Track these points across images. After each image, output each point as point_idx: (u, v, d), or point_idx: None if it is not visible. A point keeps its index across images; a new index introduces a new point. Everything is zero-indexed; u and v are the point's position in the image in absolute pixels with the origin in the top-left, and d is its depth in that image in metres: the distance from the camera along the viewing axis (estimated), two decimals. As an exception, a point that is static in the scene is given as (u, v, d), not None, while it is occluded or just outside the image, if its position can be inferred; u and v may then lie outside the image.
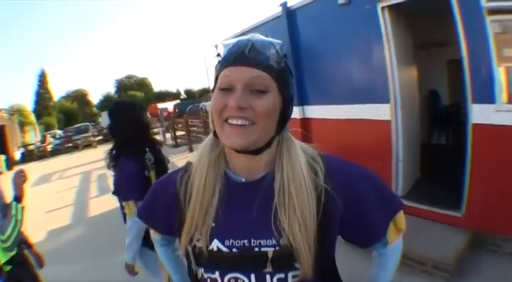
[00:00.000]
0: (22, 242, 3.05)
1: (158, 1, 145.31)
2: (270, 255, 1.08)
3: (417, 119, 5.76)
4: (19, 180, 2.72)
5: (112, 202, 9.37)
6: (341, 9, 5.30)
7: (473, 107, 3.97)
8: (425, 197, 5.00)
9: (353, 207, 1.15)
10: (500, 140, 3.83)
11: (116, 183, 3.15)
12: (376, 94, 5.11)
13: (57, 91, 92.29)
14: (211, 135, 1.20)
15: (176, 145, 18.10)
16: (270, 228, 1.08)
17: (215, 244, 1.12)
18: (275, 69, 1.05)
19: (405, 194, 5.21)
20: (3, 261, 2.65)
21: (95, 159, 19.50)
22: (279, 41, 1.11)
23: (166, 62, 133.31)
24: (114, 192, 3.22)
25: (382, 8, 4.74)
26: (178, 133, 18.32)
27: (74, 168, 17.89)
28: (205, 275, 1.17)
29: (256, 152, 1.09)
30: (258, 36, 1.08)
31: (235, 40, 1.09)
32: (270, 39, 1.10)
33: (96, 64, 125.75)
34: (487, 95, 3.82)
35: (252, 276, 1.10)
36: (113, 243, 6.39)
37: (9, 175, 2.76)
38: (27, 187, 2.81)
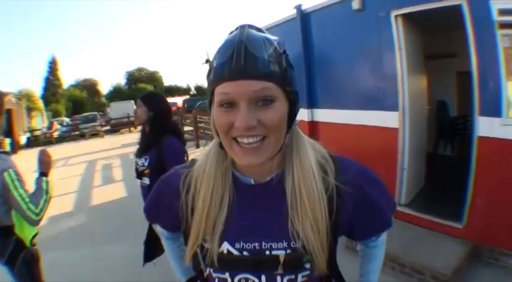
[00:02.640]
0: None
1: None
2: (281, 258, 1.06)
3: (424, 129, 5.77)
4: (46, 158, 2.82)
5: (115, 192, 9.46)
6: (355, 15, 5.32)
7: (479, 120, 3.97)
8: (427, 206, 5.02)
9: (363, 202, 1.15)
10: (505, 154, 3.83)
11: (151, 164, 3.30)
12: (385, 101, 5.11)
13: (67, 79, 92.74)
14: (216, 142, 1.13)
15: (185, 142, 17.84)
16: (282, 231, 1.06)
17: (225, 247, 1.10)
18: (278, 73, 0.95)
19: (408, 202, 5.21)
20: (31, 236, 2.77)
21: (100, 148, 19.57)
22: (275, 37, 1.01)
23: (178, 57, 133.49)
24: (139, 176, 3.42)
25: (396, 17, 4.75)
26: (186, 129, 18.24)
27: (79, 156, 17.87)
28: (214, 275, 1.16)
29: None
30: (251, 34, 0.96)
31: (223, 41, 0.99)
32: (264, 34, 0.99)
33: (108, 55, 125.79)
34: (494, 109, 3.82)
35: (263, 277, 1.09)
36: (113, 233, 6.45)
37: (14, 158, 2.85)
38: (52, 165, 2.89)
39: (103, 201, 8.97)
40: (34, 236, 2.82)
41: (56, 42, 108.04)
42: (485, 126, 3.94)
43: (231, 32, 1.01)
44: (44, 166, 2.81)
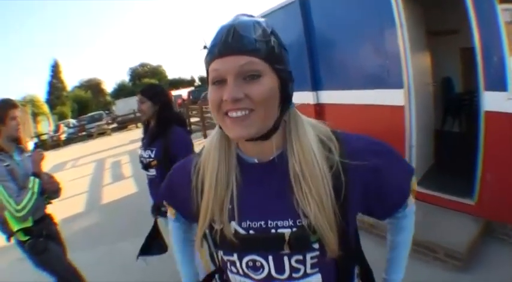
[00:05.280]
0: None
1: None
2: (286, 236, 1.06)
3: (430, 105, 5.73)
4: (37, 158, 3.12)
5: (125, 189, 9.48)
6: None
7: (485, 95, 3.92)
8: (438, 184, 4.98)
9: (374, 176, 1.14)
10: (512, 128, 3.80)
11: (158, 155, 3.35)
12: (389, 80, 5.07)
13: (71, 81, 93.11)
14: (218, 127, 1.18)
15: (190, 132, 17.92)
16: (287, 209, 1.07)
17: (232, 226, 1.12)
18: (264, 50, 1.00)
19: (418, 180, 5.12)
20: (16, 229, 3.01)
21: (108, 146, 19.66)
22: (263, 19, 1.07)
23: (180, 49, 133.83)
24: (146, 167, 3.48)
25: (395, -7, 4.70)
26: (193, 120, 18.33)
27: (88, 156, 18.05)
28: (225, 258, 1.19)
29: (265, 137, 1.07)
30: (241, 18, 1.03)
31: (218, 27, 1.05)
32: (254, 18, 1.05)
33: (109, 53, 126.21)
34: (499, 83, 3.77)
35: (270, 258, 1.10)
36: (125, 230, 6.49)
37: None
38: (44, 165, 3.19)
39: (114, 199, 9.06)
40: (20, 230, 3.04)
41: (56, 44, 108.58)
42: (491, 101, 3.89)
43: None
44: (35, 166, 3.10)
